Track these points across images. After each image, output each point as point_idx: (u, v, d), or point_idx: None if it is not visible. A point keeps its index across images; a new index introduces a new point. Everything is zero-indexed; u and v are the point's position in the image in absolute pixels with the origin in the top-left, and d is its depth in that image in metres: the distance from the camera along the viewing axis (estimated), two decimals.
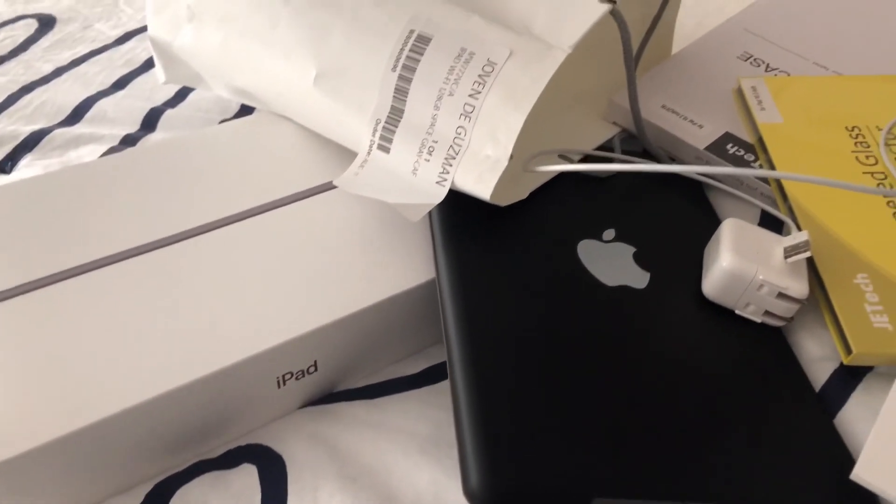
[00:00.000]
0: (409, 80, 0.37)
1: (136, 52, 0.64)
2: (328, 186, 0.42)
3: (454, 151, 0.37)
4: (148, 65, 0.62)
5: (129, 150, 0.43)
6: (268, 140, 0.45)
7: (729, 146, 0.45)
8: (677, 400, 0.33)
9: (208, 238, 0.38)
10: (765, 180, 0.43)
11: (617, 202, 0.43)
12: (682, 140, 0.46)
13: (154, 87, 0.59)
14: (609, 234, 0.40)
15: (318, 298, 0.35)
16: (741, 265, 0.36)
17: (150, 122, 0.55)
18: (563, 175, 0.44)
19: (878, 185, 0.41)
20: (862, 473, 0.30)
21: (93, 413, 0.30)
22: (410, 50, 0.38)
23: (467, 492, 0.28)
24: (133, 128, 0.55)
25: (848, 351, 0.35)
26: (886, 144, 0.43)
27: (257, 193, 0.41)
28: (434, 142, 0.37)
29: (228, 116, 0.55)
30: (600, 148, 0.48)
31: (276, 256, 0.37)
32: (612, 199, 0.43)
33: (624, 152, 0.48)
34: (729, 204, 0.45)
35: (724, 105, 0.48)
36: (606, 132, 0.48)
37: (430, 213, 0.39)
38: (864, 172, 0.42)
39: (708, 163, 0.45)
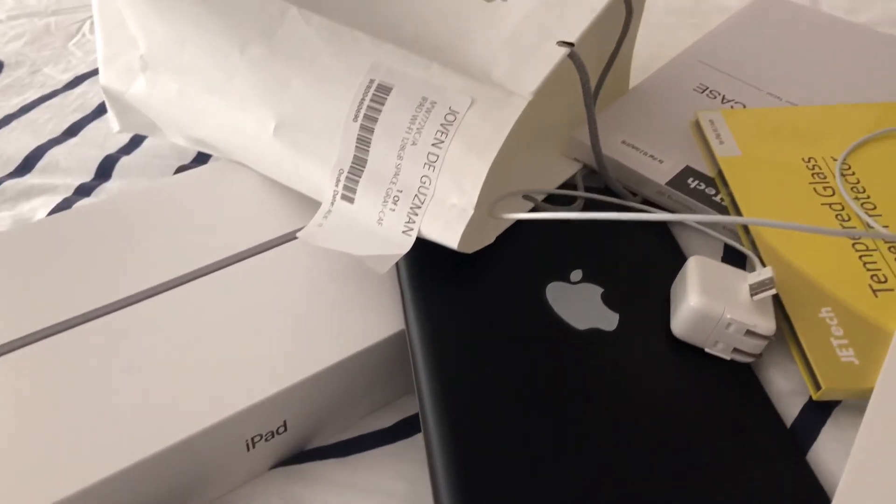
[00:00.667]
0: (370, 130, 0.37)
1: (87, 96, 0.62)
2: (292, 236, 0.41)
3: (419, 201, 0.36)
4: (101, 110, 0.60)
5: (83, 206, 0.42)
6: (227, 189, 0.44)
7: (690, 180, 0.46)
8: (650, 443, 0.33)
9: (169, 297, 0.37)
10: (732, 229, 0.44)
11: (582, 239, 0.43)
12: (643, 176, 0.46)
13: (108, 134, 0.57)
14: (576, 274, 0.40)
15: (285, 357, 0.34)
16: (708, 304, 0.36)
17: (105, 170, 0.54)
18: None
19: (836, 215, 0.42)
20: None
21: (55, 492, 0.29)
22: (371, 100, 0.37)
23: None
24: (87, 177, 0.53)
25: (817, 387, 0.35)
26: (842, 175, 0.44)
27: (218, 247, 0.40)
28: (399, 191, 0.37)
29: (186, 162, 0.54)
30: (564, 184, 0.48)
31: (240, 314, 0.36)
32: (577, 237, 0.43)
33: (587, 188, 0.48)
34: (692, 237, 0.46)
35: (683, 139, 0.49)
36: (570, 169, 0.48)
37: (397, 262, 0.39)
38: (822, 204, 0.43)
39: (670, 197, 0.46)
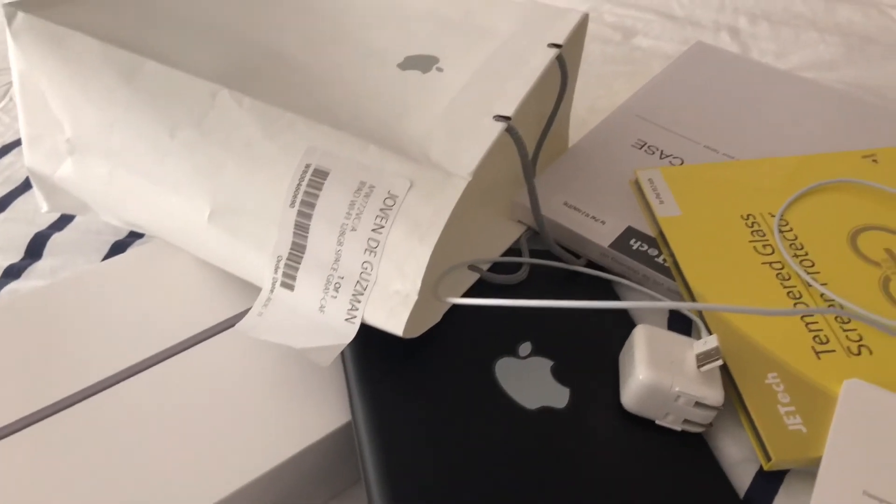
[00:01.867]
0: (308, 216, 0.36)
1: (15, 167, 0.60)
2: (232, 323, 0.40)
3: (362, 287, 0.36)
4: (30, 182, 0.58)
5: (10, 296, 0.40)
6: (163, 274, 0.42)
7: (632, 241, 0.46)
8: None
9: (101, 399, 0.35)
10: (676, 291, 0.44)
11: (535, 308, 0.43)
12: (586, 238, 0.46)
13: (38, 208, 0.55)
14: (525, 348, 0.40)
15: (226, 461, 0.33)
16: (656, 378, 0.36)
17: (36, 248, 0.52)
18: (477, 283, 0.43)
19: (777, 274, 0.42)
20: None
21: None
22: (308, 185, 0.36)
23: None
24: (16, 256, 0.51)
25: (767, 458, 0.35)
26: (780, 231, 0.45)
27: (153, 341, 0.38)
28: (340, 278, 0.36)
29: (122, 237, 0.52)
30: (509, 250, 0.47)
31: (177, 414, 0.35)
32: (524, 306, 0.43)
33: (533, 252, 0.48)
34: (639, 300, 0.46)
35: (624, 198, 0.49)
36: (515, 231, 0.48)
37: (344, 352, 0.38)
38: (762, 263, 0.43)
39: (613, 259, 0.46)
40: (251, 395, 0.36)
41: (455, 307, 0.41)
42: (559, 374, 0.39)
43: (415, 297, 0.35)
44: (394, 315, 0.35)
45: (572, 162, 0.52)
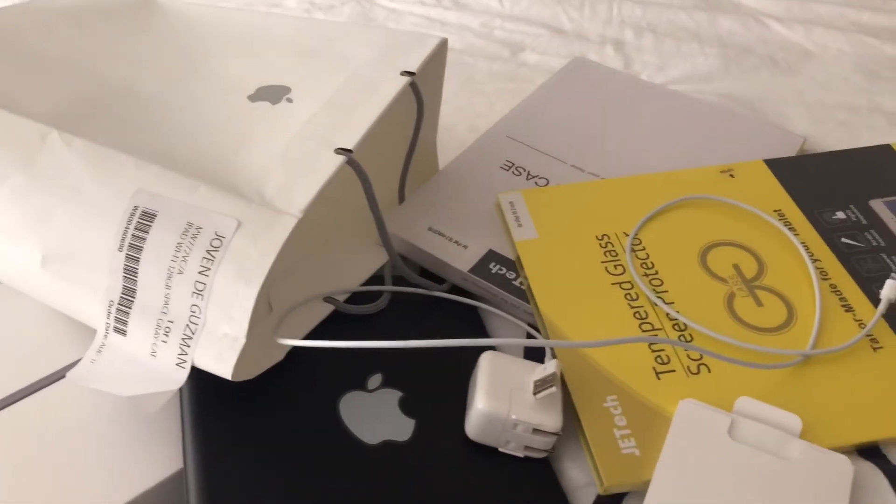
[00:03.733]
0: (136, 260, 0.36)
1: None
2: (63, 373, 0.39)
3: (191, 331, 0.35)
4: None
5: None
6: (2, 319, 0.41)
7: (492, 265, 0.46)
8: None
9: None
10: (531, 313, 0.45)
11: (391, 338, 0.43)
12: (447, 263, 0.47)
13: None
14: (375, 380, 0.40)
15: None
16: (494, 407, 0.36)
17: None
18: (336, 315, 0.43)
19: (626, 294, 0.43)
20: None
21: None
22: (136, 228, 0.36)
23: None
24: None
25: (602, 481, 0.36)
26: (633, 251, 0.46)
27: None
28: (170, 322, 0.36)
29: None
30: (373, 278, 0.47)
31: (6, 471, 0.34)
32: (387, 336, 0.43)
33: (397, 279, 0.48)
34: (500, 324, 0.46)
35: (488, 221, 0.49)
36: (378, 260, 0.48)
37: (181, 391, 0.37)
38: (612, 283, 0.44)
39: (474, 283, 0.46)
40: (84, 446, 0.35)
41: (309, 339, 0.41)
42: (407, 407, 0.39)
43: (243, 341, 0.35)
44: (222, 359, 0.35)
45: (439, 186, 0.52)
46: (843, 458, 0.35)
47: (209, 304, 0.35)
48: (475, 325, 0.45)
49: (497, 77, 0.68)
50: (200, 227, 0.36)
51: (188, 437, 0.35)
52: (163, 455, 0.35)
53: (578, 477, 0.38)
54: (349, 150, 0.40)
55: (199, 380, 0.38)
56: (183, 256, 0.35)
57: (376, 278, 0.47)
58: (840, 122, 0.60)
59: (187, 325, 0.35)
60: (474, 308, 0.47)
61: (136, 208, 0.36)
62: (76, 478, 0.34)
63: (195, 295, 0.35)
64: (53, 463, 0.35)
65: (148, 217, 0.36)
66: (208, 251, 0.35)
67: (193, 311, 0.35)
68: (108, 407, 0.37)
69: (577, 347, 0.40)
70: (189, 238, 0.35)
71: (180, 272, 0.35)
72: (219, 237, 0.35)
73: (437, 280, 0.48)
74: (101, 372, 0.36)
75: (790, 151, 0.55)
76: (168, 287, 0.35)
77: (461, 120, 0.63)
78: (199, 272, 0.35)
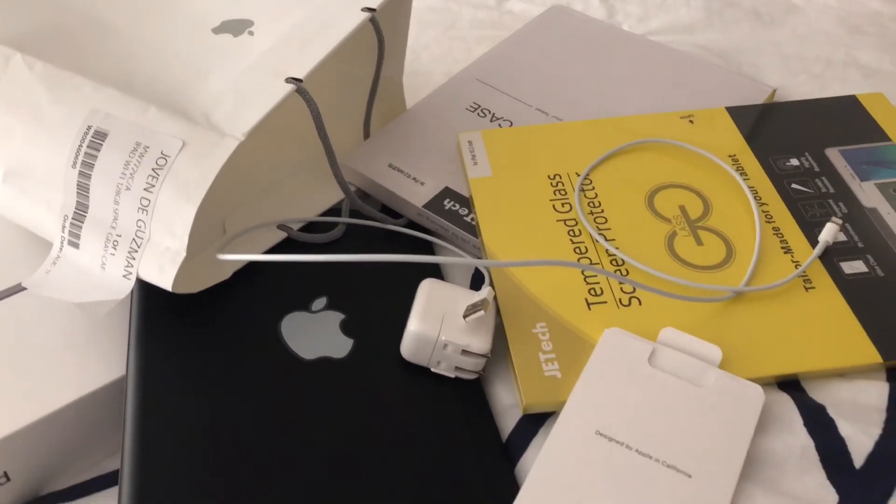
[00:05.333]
0: (88, 176, 0.38)
1: None
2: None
3: (136, 245, 0.37)
4: None
5: None
6: None
7: (446, 202, 0.48)
8: (360, 462, 0.34)
9: None
10: (475, 244, 0.46)
11: (339, 266, 0.44)
12: (403, 198, 0.48)
13: None
14: (319, 303, 0.42)
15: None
16: (425, 328, 0.38)
17: None
18: (287, 242, 0.45)
19: (569, 231, 0.44)
20: None
21: None
22: (88, 146, 0.38)
23: None
24: None
25: (522, 400, 0.37)
26: (582, 190, 0.47)
27: None
28: (118, 236, 0.38)
29: None
30: (331, 211, 0.49)
31: None
32: (334, 264, 0.45)
33: (356, 214, 0.49)
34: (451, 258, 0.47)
35: (448, 160, 0.50)
36: (336, 195, 0.49)
37: (131, 307, 0.40)
38: (557, 220, 0.45)
39: (428, 219, 0.48)
40: (36, 350, 0.38)
41: (259, 264, 0.43)
42: (347, 328, 0.41)
43: (183, 254, 0.37)
44: (164, 271, 0.37)
45: (406, 123, 0.53)
46: (756, 387, 0.36)
47: (153, 220, 0.37)
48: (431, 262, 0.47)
49: (480, 24, 0.69)
50: (147, 147, 0.37)
51: (132, 346, 0.37)
52: (110, 362, 0.38)
53: (507, 399, 0.40)
54: (299, 80, 0.41)
55: (149, 293, 0.40)
56: (130, 174, 0.37)
57: (335, 212, 0.49)
58: (814, 75, 0.60)
59: (133, 239, 0.37)
60: (429, 243, 0.48)
61: (89, 128, 0.38)
62: (30, 377, 0.36)
63: (141, 210, 0.37)
64: (9, 362, 0.37)
65: (100, 136, 0.38)
66: (153, 169, 0.37)
67: (139, 226, 0.37)
68: (63, 318, 0.40)
69: (503, 266, 0.41)
70: (136, 157, 0.37)
71: (128, 188, 0.37)
72: (164, 156, 0.37)
73: (396, 216, 0.50)
74: (55, 281, 0.38)
75: (757, 101, 0.56)
76: (116, 203, 0.37)
77: (439, 66, 0.64)
78: (145, 189, 0.37)
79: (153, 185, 0.37)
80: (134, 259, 0.37)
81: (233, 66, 0.42)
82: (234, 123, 0.38)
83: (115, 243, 0.38)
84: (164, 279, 0.37)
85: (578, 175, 0.48)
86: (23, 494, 0.37)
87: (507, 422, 0.39)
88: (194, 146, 0.37)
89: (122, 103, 0.38)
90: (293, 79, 0.41)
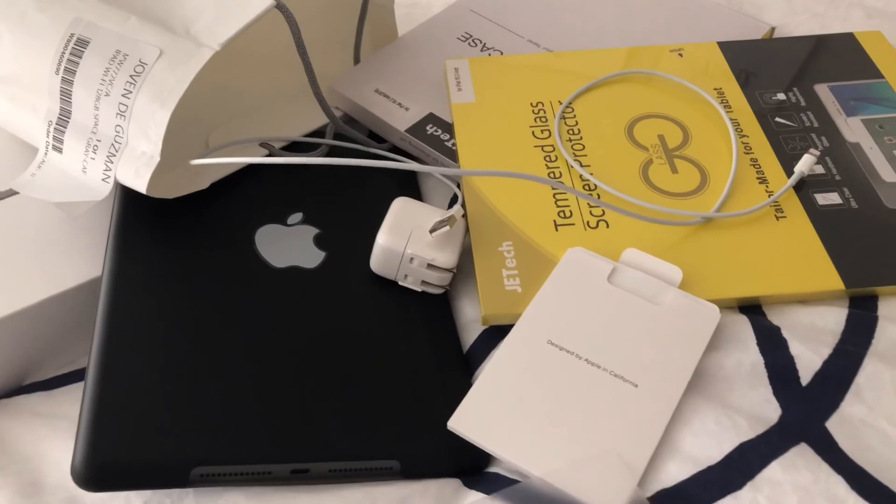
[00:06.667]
0: (71, 83, 0.39)
1: None
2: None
3: (115, 149, 0.39)
4: None
5: None
6: None
7: (429, 127, 0.48)
8: (320, 365, 0.36)
9: None
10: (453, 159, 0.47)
11: (321, 185, 0.45)
12: (386, 123, 0.49)
13: None
14: (295, 217, 0.43)
15: None
16: (392, 241, 0.39)
17: None
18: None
19: (546, 157, 0.45)
20: (455, 424, 0.33)
21: None
22: (71, 53, 0.39)
23: (72, 472, 0.30)
24: None
25: (482, 312, 0.38)
26: (563, 117, 0.47)
27: None
28: (98, 141, 0.39)
29: None
30: (317, 133, 0.50)
31: None
32: (317, 183, 0.46)
33: (338, 136, 0.50)
34: (432, 181, 0.48)
35: (435, 87, 0.51)
36: (322, 118, 0.50)
37: (112, 207, 0.41)
38: (535, 146, 0.45)
39: (410, 143, 0.48)
40: (21, 250, 0.40)
41: (239, 176, 0.44)
42: (321, 241, 0.42)
43: (157, 159, 0.38)
44: (139, 175, 0.38)
45: (394, 52, 0.53)
46: (712, 306, 0.37)
47: (130, 125, 0.38)
48: (411, 184, 0.48)
49: None
50: (127, 55, 0.38)
51: (108, 248, 0.39)
52: (89, 264, 0.39)
53: (471, 313, 0.41)
54: None
55: (130, 199, 0.41)
56: (110, 80, 0.38)
57: (320, 134, 0.50)
58: (815, 14, 0.58)
59: (112, 144, 0.39)
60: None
61: (72, 35, 0.39)
62: (13, 273, 0.38)
63: (119, 116, 0.38)
64: None
65: (82, 44, 0.39)
66: (131, 76, 0.38)
67: (118, 131, 0.38)
68: (48, 220, 0.41)
69: (469, 175, 0.42)
70: (116, 64, 0.38)
71: (107, 94, 0.38)
72: (142, 64, 0.38)
73: (382, 143, 0.50)
74: (40, 184, 0.40)
75: (754, 38, 0.55)
76: (97, 108, 0.39)
77: None
78: (122, 95, 0.38)
79: (130, 92, 0.38)
80: (112, 163, 0.39)
81: None
82: (212, 34, 0.39)
83: (96, 147, 0.39)
84: (139, 182, 0.38)
85: (561, 103, 0.48)
86: (4, 385, 0.39)
87: (471, 335, 0.40)
88: (171, 54, 0.38)
89: (104, 13, 0.40)
90: None
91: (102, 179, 0.39)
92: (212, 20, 0.40)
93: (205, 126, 0.45)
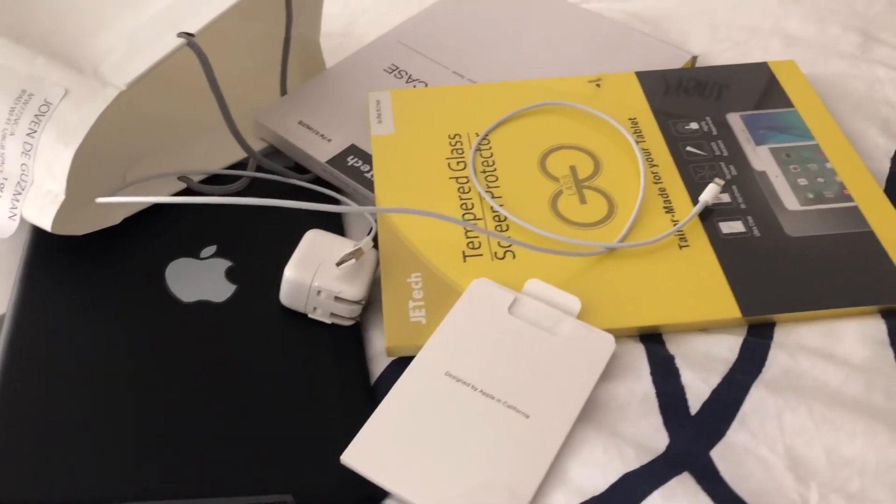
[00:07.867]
0: None
1: None
2: None
3: (21, 187, 0.39)
4: None
5: None
6: None
7: (350, 158, 0.49)
8: (224, 397, 0.36)
9: None
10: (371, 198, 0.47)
11: (237, 217, 0.46)
12: (308, 154, 0.49)
13: None
14: (209, 250, 0.43)
15: None
16: (299, 274, 0.40)
17: None
18: (188, 193, 0.46)
19: (459, 188, 0.46)
20: (348, 458, 0.34)
21: None
22: None
23: None
24: None
25: (386, 343, 0.39)
26: (479, 149, 0.48)
27: None
28: (4, 179, 0.39)
29: None
30: (239, 165, 0.50)
31: None
32: (233, 215, 0.46)
33: (260, 167, 0.51)
34: (359, 217, 0.49)
35: (358, 119, 0.52)
36: (253, 147, 0.51)
37: (24, 248, 0.41)
38: (450, 178, 0.46)
39: (332, 175, 0.49)
40: None
41: (154, 210, 0.44)
42: (232, 274, 0.42)
43: (62, 197, 0.38)
44: (45, 213, 0.38)
45: (320, 83, 0.54)
46: (608, 336, 0.38)
47: (36, 164, 0.39)
48: (330, 215, 0.48)
49: None
50: (32, 94, 0.39)
51: (15, 284, 0.39)
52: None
53: (380, 345, 0.41)
54: (191, 35, 0.42)
55: (41, 236, 0.41)
56: (15, 119, 0.39)
57: (242, 166, 0.51)
58: (736, 42, 0.60)
59: (18, 182, 0.39)
60: (333, 199, 0.50)
61: None
62: None
63: (24, 154, 0.39)
64: None
65: None
66: (36, 115, 0.39)
67: (23, 170, 0.39)
68: None
69: (376, 212, 0.43)
70: (21, 103, 0.39)
71: (12, 134, 0.39)
72: (47, 103, 0.39)
73: (305, 172, 0.51)
74: None
75: (675, 67, 0.56)
76: (2, 147, 0.39)
77: (375, 29, 0.64)
78: (27, 134, 0.39)
79: (35, 131, 0.38)
80: (18, 201, 0.39)
81: (132, 21, 0.44)
82: (120, 73, 0.40)
83: (2, 186, 0.39)
84: (45, 220, 0.39)
85: (478, 135, 0.49)
86: None
87: (380, 366, 0.40)
88: (76, 94, 0.39)
89: (12, 52, 0.40)
90: (185, 33, 0.42)
91: (9, 217, 0.39)
92: (120, 59, 0.41)
93: (122, 160, 0.45)
